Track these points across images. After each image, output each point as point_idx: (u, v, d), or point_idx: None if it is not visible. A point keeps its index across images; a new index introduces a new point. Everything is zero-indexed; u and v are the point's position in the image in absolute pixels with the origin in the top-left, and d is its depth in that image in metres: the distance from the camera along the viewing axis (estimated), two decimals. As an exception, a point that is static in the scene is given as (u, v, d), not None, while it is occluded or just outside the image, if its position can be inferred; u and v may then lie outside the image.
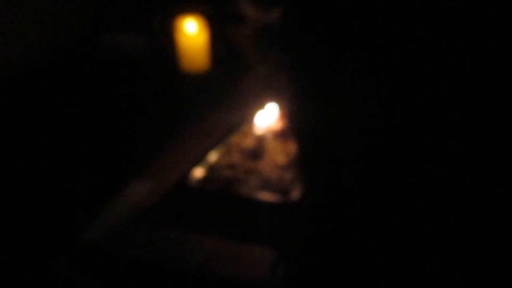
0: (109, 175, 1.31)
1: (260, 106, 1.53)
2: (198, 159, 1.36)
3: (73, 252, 1.11)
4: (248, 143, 1.44)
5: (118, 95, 1.81)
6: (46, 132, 1.61)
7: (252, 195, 1.21)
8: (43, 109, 1.73)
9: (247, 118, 1.50)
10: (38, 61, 2.06)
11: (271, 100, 1.56)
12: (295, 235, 1.14)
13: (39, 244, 1.16)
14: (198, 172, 1.32)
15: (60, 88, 1.88)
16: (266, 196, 1.20)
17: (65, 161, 1.40)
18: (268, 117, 1.50)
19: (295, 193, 1.20)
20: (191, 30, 1.89)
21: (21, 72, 1.94)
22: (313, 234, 0.93)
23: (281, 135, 1.48)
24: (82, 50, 2.25)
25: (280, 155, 1.38)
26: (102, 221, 1.18)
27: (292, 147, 1.43)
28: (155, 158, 1.39)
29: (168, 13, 2.03)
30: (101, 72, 2.08)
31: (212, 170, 1.34)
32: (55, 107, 1.73)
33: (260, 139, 1.43)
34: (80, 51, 2.24)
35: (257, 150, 1.40)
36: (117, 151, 1.39)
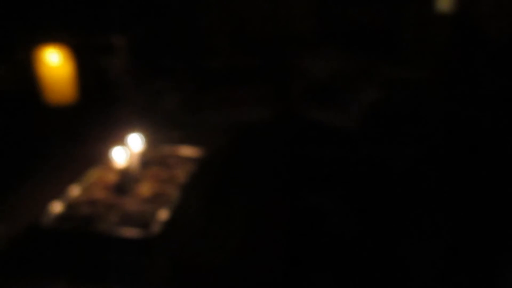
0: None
1: (127, 137, 1.49)
2: (55, 197, 1.29)
3: None
4: (112, 177, 1.39)
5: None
6: None
7: (110, 231, 1.17)
8: None
9: (113, 150, 1.45)
10: None
11: (140, 130, 1.53)
12: (155, 270, 1.12)
13: None
14: (55, 210, 1.24)
15: None
16: (125, 231, 1.17)
17: None
18: (135, 148, 1.47)
19: (155, 227, 1.17)
20: (54, 61, 1.81)
21: None
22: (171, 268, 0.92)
23: (148, 165, 1.47)
24: None
25: (146, 187, 1.36)
26: None
27: (160, 177, 1.41)
28: (5, 198, 1.29)
29: (31, 43, 1.93)
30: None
31: (70, 207, 1.27)
32: None
33: (126, 172, 1.39)
34: None
35: (122, 184, 1.35)
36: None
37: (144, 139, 1.48)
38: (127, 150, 1.41)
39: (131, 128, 1.51)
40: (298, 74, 2.12)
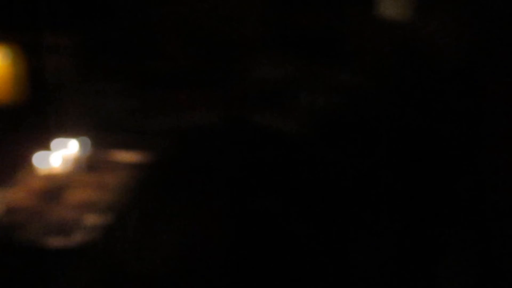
0: None
1: (60, 140, 1.43)
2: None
3: None
4: (41, 183, 1.32)
5: None
6: None
7: (31, 242, 1.10)
8: None
9: (42, 154, 1.39)
10: None
11: (77, 134, 1.48)
12: (80, 280, 1.07)
13: None
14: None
15: None
16: (47, 241, 1.10)
17: None
18: (68, 152, 1.41)
19: (79, 235, 1.12)
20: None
21: None
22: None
23: (83, 170, 1.41)
24: None
25: (77, 193, 1.30)
26: None
27: (94, 183, 1.36)
28: None
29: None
30: None
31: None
32: None
33: (56, 178, 1.33)
34: None
35: (51, 190, 1.29)
36: None
37: (79, 143, 1.43)
38: (60, 154, 1.36)
39: (69, 131, 1.46)
40: (245, 78, 2.11)
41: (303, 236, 1.61)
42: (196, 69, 2.14)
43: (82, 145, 1.45)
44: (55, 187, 1.29)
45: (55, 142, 1.39)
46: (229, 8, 2.26)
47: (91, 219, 1.19)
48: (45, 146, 1.34)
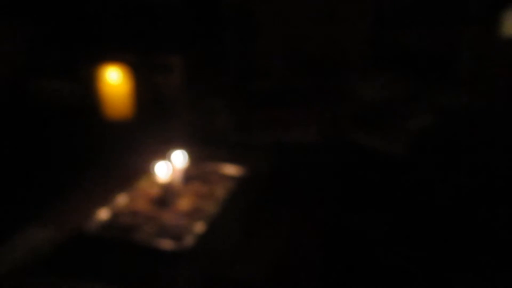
0: (6, 217, 1.29)
1: (172, 153, 1.55)
2: (101, 205, 1.36)
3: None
4: (155, 190, 1.45)
5: (35, 138, 1.81)
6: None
7: (146, 242, 1.22)
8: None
9: (157, 165, 1.51)
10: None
11: (186, 146, 1.59)
12: (186, 282, 1.15)
13: None
14: (100, 217, 1.32)
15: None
16: (159, 243, 1.21)
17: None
18: (179, 164, 1.52)
19: (189, 239, 1.21)
20: (114, 79, 1.93)
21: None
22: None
23: (190, 181, 1.51)
24: (13, 94, 2.25)
25: (185, 202, 1.40)
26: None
27: (200, 192, 1.46)
28: (56, 203, 1.38)
29: (94, 62, 2.07)
30: (26, 115, 2.08)
31: (115, 216, 1.34)
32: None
33: (168, 186, 1.44)
34: (11, 95, 2.24)
35: (164, 197, 1.41)
36: (20, 193, 1.38)
37: (188, 156, 1.53)
38: (171, 165, 1.47)
39: (179, 144, 1.57)
40: (348, 97, 2.11)
41: (403, 259, 1.56)
42: (301, 88, 2.19)
43: (191, 156, 1.55)
44: (168, 194, 1.41)
45: (168, 153, 1.51)
46: (334, 28, 2.28)
47: (198, 226, 1.28)
48: (160, 156, 1.46)
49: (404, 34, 2.18)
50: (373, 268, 1.52)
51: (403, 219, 1.73)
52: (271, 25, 2.32)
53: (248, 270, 1.20)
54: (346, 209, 1.73)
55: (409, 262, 1.55)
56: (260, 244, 1.31)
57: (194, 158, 1.59)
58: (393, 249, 1.61)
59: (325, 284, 1.30)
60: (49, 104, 2.17)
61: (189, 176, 1.53)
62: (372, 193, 1.80)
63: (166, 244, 1.21)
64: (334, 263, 1.46)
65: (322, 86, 2.19)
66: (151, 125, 2.00)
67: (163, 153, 1.51)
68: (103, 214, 1.33)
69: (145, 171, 1.53)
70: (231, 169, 1.61)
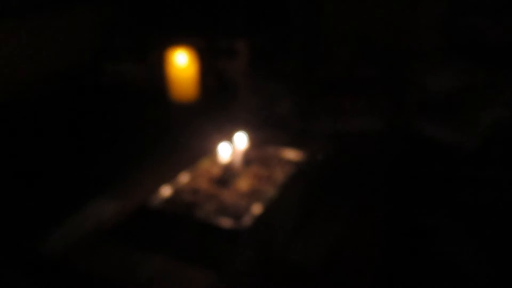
0: (76, 191, 1.37)
1: (234, 135, 1.57)
2: (165, 182, 1.42)
3: (29, 264, 1.17)
4: (217, 170, 1.49)
5: (107, 118, 1.91)
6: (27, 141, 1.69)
7: (206, 219, 1.25)
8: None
9: (220, 146, 1.54)
10: (54, 80, 2.20)
11: (248, 130, 1.60)
12: (243, 260, 1.18)
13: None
14: (164, 194, 1.37)
15: (63, 107, 1.99)
16: (219, 221, 1.24)
17: (37, 172, 1.47)
18: (240, 146, 1.54)
19: (247, 219, 1.23)
20: (182, 62, 1.99)
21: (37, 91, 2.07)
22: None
23: (250, 163, 1.54)
24: (88, 76, 2.38)
25: (245, 183, 1.43)
26: (62, 235, 1.23)
27: (259, 175, 1.48)
28: (123, 178, 1.45)
29: (163, 46, 2.13)
30: (100, 97, 2.19)
31: (177, 193, 1.39)
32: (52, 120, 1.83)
33: (228, 167, 1.48)
34: (86, 78, 2.37)
35: (224, 177, 1.44)
36: (88, 168, 1.46)
37: (249, 139, 1.55)
38: (233, 147, 1.50)
39: (241, 127, 1.59)
40: (417, 87, 2.03)
41: (463, 261, 1.48)
42: (368, 76, 2.13)
43: (252, 140, 1.57)
44: (228, 175, 1.44)
45: (231, 135, 1.54)
46: (404, 15, 2.20)
47: (256, 207, 1.30)
48: (222, 138, 1.49)
49: (481, 20, 2.06)
50: (435, 268, 1.46)
51: (473, 220, 1.64)
52: (338, 11, 2.28)
53: (304, 254, 1.20)
54: (409, 204, 1.66)
55: (473, 264, 1.48)
56: (316, 229, 1.30)
57: (255, 142, 1.61)
58: (465, 252, 1.53)
59: (381, 278, 1.27)
60: (123, 86, 2.28)
61: (249, 158, 1.56)
62: (440, 189, 1.72)
63: (225, 222, 1.24)
64: (394, 258, 1.42)
65: (388, 74, 2.13)
66: (215, 108, 2.04)
67: (225, 135, 1.54)
68: (166, 190, 1.39)
69: (208, 152, 1.58)
70: (291, 154, 1.61)
